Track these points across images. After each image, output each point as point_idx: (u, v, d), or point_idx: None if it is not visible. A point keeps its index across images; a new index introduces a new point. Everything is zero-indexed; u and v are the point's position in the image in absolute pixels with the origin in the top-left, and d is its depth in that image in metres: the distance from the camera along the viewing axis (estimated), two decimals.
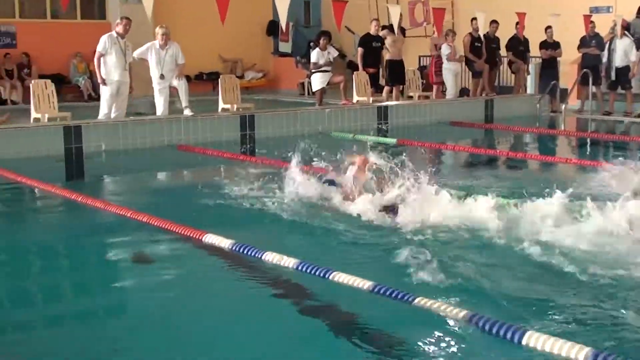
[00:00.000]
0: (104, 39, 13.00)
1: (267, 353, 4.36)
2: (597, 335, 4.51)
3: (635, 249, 6.05)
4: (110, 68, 12.97)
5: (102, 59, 13.00)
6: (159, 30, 13.68)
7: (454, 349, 4.37)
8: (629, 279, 5.49)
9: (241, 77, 22.97)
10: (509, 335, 4.38)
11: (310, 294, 5.33)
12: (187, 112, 13.72)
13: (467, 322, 4.55)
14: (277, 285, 5.53)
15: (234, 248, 6.14)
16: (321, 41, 16.78)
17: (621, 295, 5.17)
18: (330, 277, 5.39)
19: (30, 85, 13.88)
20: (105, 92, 13.16)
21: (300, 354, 4.38)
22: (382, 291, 5.06)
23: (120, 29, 13.04)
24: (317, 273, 5.48)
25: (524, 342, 4.32)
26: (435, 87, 18.95)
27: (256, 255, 5.96)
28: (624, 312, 4.86)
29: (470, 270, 5.64)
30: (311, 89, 18.30)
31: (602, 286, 5.34)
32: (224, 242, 6.28)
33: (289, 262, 5.73)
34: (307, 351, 4.41)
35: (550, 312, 4.88)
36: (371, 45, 17.31)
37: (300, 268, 5.61)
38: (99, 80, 13.21)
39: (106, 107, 13.14)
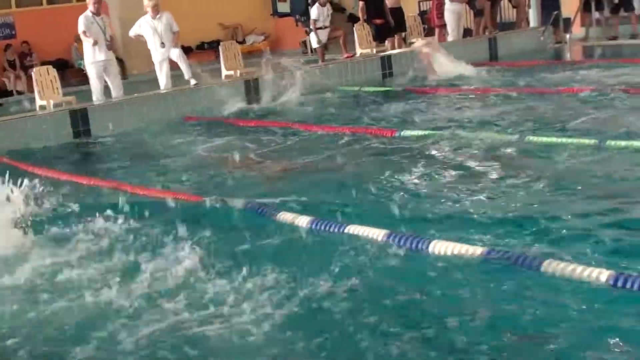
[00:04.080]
0: (81, 20, 12.76)
1: None
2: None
3: None
4: (93, 48, 12.80)
5: (84, 41, 12.85)
6: (148, 3, 13.54)
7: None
8: None
9: (242, 42, 22.88)
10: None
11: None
12: (192, 82, 13.68)
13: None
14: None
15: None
16: None
17: None
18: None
19: (32, 73, 13.86)
20: (92, 73, 13.00)
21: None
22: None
23: (91, 7, 12.82)
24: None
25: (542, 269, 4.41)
26: (437, 30, 18.75)
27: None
28: None
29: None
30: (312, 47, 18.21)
31: None
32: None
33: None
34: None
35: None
36: None
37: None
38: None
39: (98, 89, 13.02)
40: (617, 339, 3.67)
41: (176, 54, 13.72)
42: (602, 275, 4.19)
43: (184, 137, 10.64)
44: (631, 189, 6.09)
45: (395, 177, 7.04)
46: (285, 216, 5.96)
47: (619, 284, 4.11)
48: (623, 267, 4.37)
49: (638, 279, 4.08)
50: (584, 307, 4.03)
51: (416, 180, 6.93)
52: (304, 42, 22.33)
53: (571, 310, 4.01)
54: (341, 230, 5.49)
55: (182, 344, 4.11)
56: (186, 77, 13.84)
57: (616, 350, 3.61)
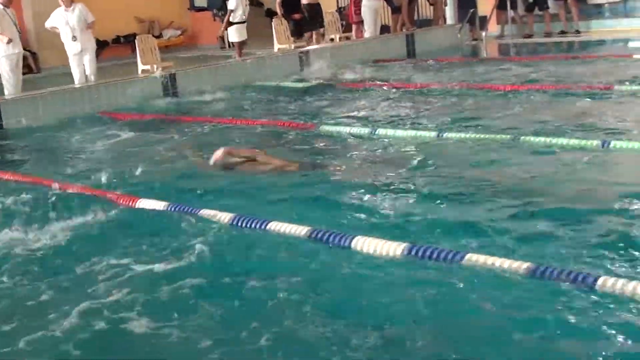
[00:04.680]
0: None
1: None
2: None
3: None
4: (6, 41, 12.43)
5: None
6: None
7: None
8: None
9: (159, 36, 22.55)
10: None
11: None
12: (92, 78, 13.45)
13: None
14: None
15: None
16: None
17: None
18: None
19: None
20: (5, 66, 12.66)
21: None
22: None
23: None
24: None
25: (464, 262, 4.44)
26: (355, 26, 18.81)
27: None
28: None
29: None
30: (230, 42, 18.04)
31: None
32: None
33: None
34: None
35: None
36: None
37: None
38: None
39: (12, 83, 12.68)
40: (535, 329, 3.73)
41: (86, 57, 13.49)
42: (521, 266, 4.23)
43: (98, 132, 10.39)
44: (544, 183, 6.16)
45: (314, 171, 6.98)
46: (205, 212, 5.83)
47: (537, 274, 4.17)
48: (539, 259, 4.43)
49: (555, 270, 4.15)
50: (502, 297, 4.05)
51: (336, 175, 6.88)
52: (222, 38, 22.10)
53: (489, 300, 4.04)
54: (262, 227, 5.40)
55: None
56: (87, 72, 13.55)
57: (533, 339, 3.67)
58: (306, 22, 17.04)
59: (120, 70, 15.18)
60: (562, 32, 18.10)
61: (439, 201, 5.78)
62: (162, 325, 4.09)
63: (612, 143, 7.05)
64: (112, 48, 21.59)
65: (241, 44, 16.61)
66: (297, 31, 17.20)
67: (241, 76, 14.00)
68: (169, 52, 20.72)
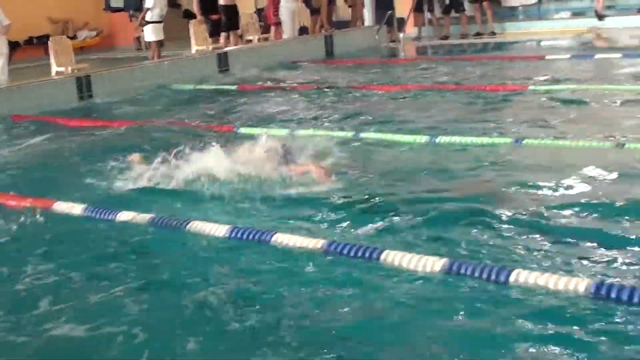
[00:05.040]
0: None
1: None
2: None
3: None
4: None
5: None
6: None
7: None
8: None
9: (74, 37, 22.13)
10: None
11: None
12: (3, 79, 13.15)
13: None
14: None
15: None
16: None
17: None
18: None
19: None
20: None
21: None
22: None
23: None
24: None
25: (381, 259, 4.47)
26: (273, 28, 18.78)
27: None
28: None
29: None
30: (146, 43, 17.80)
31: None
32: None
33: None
34: None
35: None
36: None
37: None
38: None
39: None
40: (448, 324, 3.76)
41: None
42: (437, 264, 4.25)
43: (9, 136, 10.11)
44: (459, 182, 6.21)
45: (234, 172, 6.85)
46: (123, 215, 5.72)
47: (453, 271, 4.21)
48: (457, 256, 4.48)
49: (470, 266, 4.20)
50: (418, 294, 4.09)
51: (253, 175, 6.75)
52: (138, 39, 21.81)
53: (404, 297, 4.06)
54: (183, 226, 5.34)
55: None
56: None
57: (447, 335, 3.69)
58: (224, 23, 16.90)
59: (33, 72, 14.81)
60: (478, 34, 18.37)
61: (351, 199, 5.78)
62: (87, 328, 4.02)
63: (525, 141, 7.17)
64: (25, 49, 21.12)
65: (158, 44, 16.39)
66: (215, 32, 17.06)
67: (158, 77, 13.80)
68: (84, 53, 20.34)
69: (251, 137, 8.50)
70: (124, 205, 5.94)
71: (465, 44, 17.42)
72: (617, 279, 4.03)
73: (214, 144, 6.63)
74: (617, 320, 3.65)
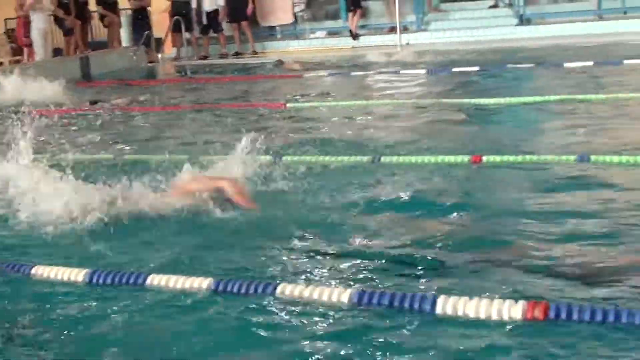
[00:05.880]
0: None
1: None
2: None
3: None
4: None
5: None
6: None
7: None
8: None
9: None
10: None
11: None
12: None
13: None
14: None
15: None
16: None
17: None
18: None
19: None
20: None
21: None
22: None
23: None
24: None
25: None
26: (26, 49, 18.00)
27: None
28: None
29: None
30: None
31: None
32: None
33: None
34: None
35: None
36: None
37: None
38: None
39: None
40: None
41: None
42: (204, 283, 4.10)
43: None
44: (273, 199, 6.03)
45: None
46: None
47: (220, 289, 4.04)
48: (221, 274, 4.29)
49: (237, 283, 4.04)
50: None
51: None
52: None
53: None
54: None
55: None
56: None
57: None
58: None
59: None
60: (237, 53, 18.58)
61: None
62: None
63: (283, 158, 7.17)
64: None
65: None
66: None
67: None
68: None
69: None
70: None
71: (226, 64, 17.51)
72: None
73: None
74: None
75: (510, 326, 3.32)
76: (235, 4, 18.83)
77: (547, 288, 3.76)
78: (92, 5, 18.75)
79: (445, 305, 3.46)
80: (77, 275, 4.32)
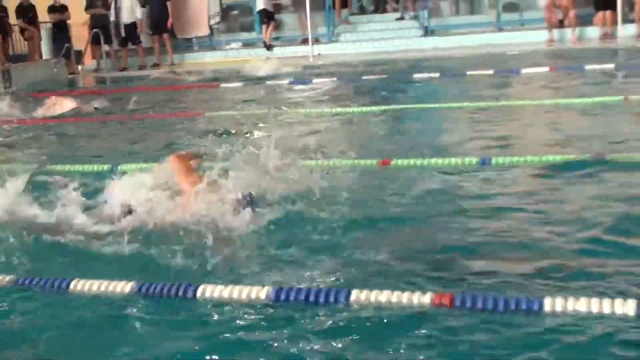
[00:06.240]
0: None
1: None
2: None
3: None
4: None
5: None
6: None
7: None
8: None
9: None
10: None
11: None
12: None
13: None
14: None
15: None
16: None
17: None
18: None
19: None
20: None
21: None
22: None
23: None
24: None
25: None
26: None
27: None
28: None
29: None
30: None
31: None
32: None
33: None
34: None
35: None
36: None
37: None
38: None
39: None
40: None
41: None
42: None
43: None
44: None
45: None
46: None
47: (142, 291, 4.13)
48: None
49: (158, 285, 4.13)
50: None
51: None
52: None
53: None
54: None
55: None
56: None
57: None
58: None
59: None
60: (156, 65, 19.10)
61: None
62: None
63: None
64: None
65: None
66: None
67: None
68: None
69: None
70: None
71: (144, 75, 17.95)
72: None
73: None
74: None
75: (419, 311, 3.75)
76: (157, 16, 19.46)
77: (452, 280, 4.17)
78: (13, 19, 19.04)
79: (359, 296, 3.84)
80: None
